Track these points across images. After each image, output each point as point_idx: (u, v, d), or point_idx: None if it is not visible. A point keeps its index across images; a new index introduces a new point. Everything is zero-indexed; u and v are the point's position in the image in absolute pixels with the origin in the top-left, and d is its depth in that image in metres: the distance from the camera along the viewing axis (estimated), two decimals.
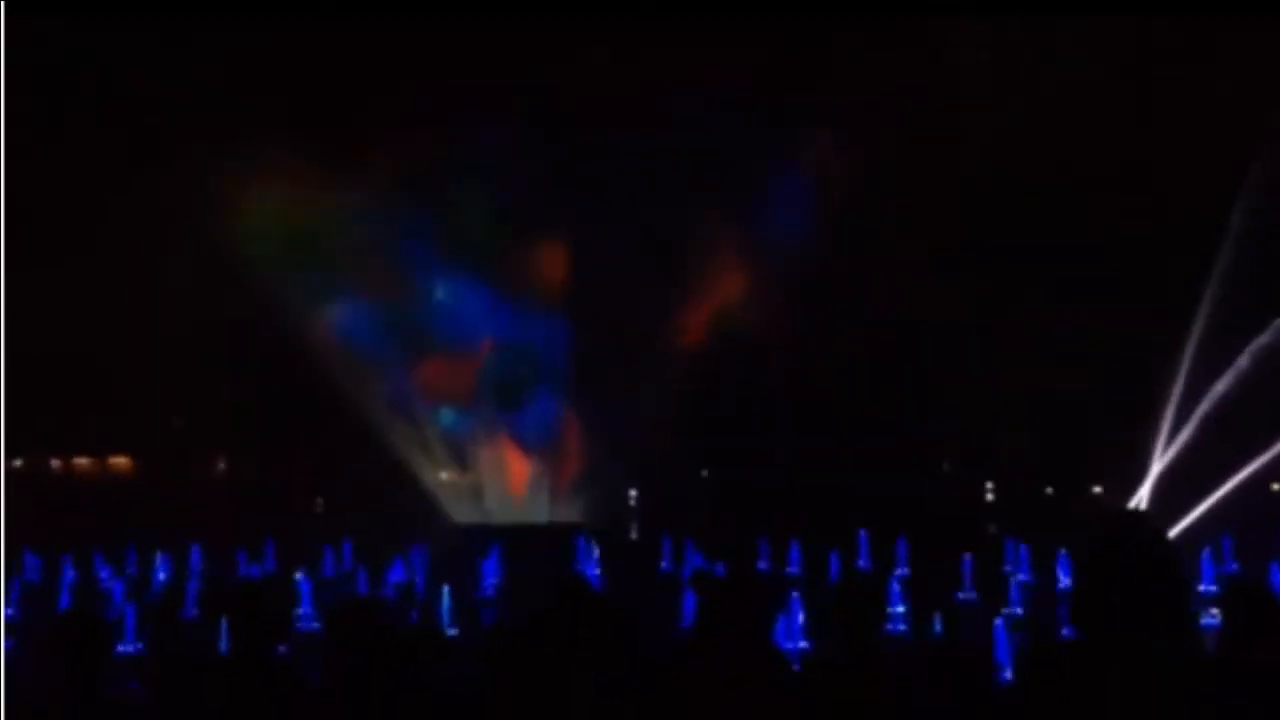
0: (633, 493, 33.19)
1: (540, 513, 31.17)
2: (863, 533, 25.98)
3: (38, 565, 22.01)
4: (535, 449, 31.66)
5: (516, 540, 22.97)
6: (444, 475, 31.46)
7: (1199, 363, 26.38)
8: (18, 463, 47.10)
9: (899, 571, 21.49)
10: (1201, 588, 17.96)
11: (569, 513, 30.72)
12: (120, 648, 14.98)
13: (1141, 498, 24.26)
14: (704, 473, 35.44)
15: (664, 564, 23.26)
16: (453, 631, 15.89)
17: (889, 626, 15.64)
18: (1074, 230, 31.35)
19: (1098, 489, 30.66)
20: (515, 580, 19.90)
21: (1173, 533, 22.37)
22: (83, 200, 35.56)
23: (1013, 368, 30.79)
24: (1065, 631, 14.34)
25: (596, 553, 23.69)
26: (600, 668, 6.25)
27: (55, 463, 47.71)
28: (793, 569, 22.76)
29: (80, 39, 32.97)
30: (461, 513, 31.28)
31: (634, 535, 31.19)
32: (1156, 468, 24.83)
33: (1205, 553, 19.55)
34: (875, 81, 29.96)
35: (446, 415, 32.55)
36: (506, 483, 32.37)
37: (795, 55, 31.33)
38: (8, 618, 16.30)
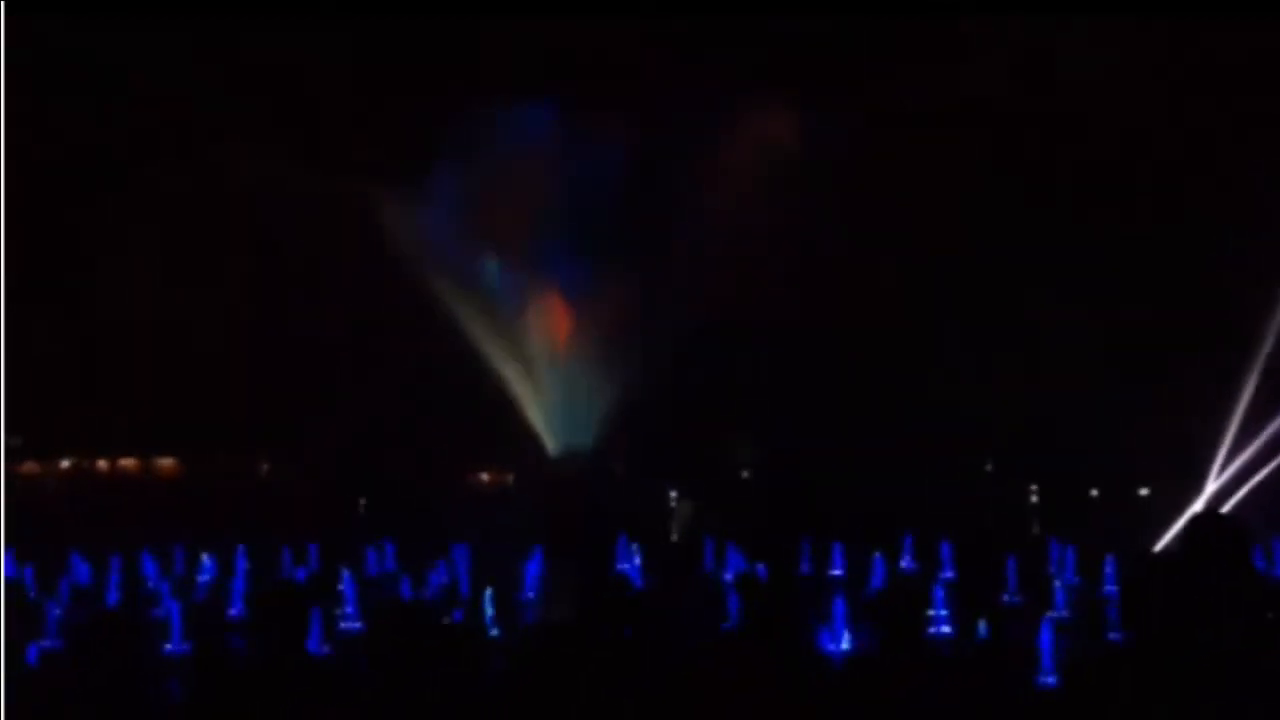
0: (673, 494, 33.16)
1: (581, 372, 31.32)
2: (907, 535, 25.87)
3: (85, 566, 22.22)
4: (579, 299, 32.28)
5: (558, 542, 23.00)
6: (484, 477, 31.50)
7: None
8: (65, 464, 47.65)
9: (943, 574, 21.36)
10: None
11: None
12: (167, 647, 15.11)
13: (1208, 498, 23.92)
14: (744, 474, 35.38)
15: (706, 564, 23.22)
16: (494, 632, 15.92)
17: (933, 629, 15.57)
18: (1131, 223, 31.15)
19: (1144, 490, 30.36)
20: (556, 581, 19.93)
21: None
22: (128, 197, 35.88)
23: (1057, 366, 30.58)
24: (1112, 635, 14.24)
25: (637, 553, 23.70)
26: (638, 667, 6.25)
27: (102, 464, 48.17)
28: (835, 571, 22.67)
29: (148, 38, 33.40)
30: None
31: (674, 537, 31.16)
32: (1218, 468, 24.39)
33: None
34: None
35: (491, 267, 33.03)
36: (553, 332, 32.99)
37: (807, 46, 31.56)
38: (56, 618, 16.45)
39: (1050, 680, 11.18)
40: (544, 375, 34.23)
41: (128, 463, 48.23)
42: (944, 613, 16.89)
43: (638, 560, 23.28)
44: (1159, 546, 22.11)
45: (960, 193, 30.72)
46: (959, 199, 30.74)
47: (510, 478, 35.37)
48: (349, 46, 33.62)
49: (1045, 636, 13.09)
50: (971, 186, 30.86)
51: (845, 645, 14.51)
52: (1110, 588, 18.82)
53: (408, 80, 33.26)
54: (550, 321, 34.18)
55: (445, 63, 32.89)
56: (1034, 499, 34.44)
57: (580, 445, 32.16)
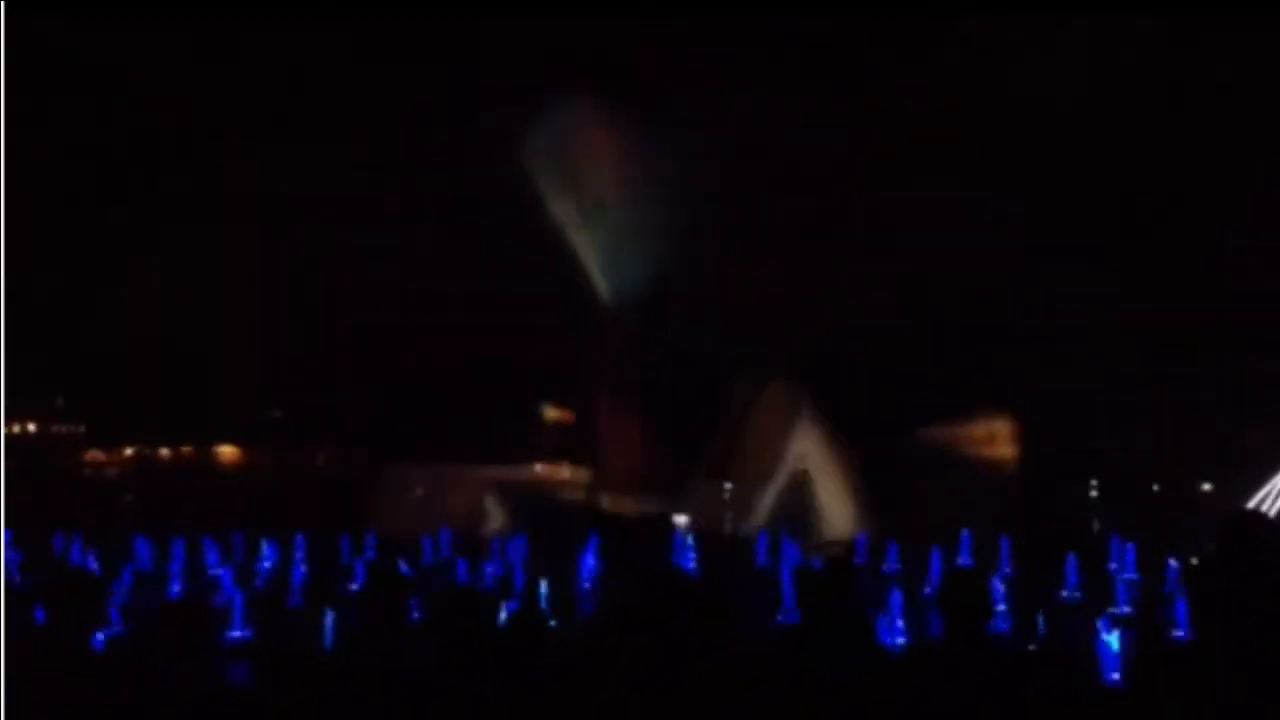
0: (727, 485, 33.13)
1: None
2: (965, 530, 25.71)
3: (148, 552, 22.53)
4: None
5: (614, 532, 22.98)
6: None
7: None
8: (128, 451, 48.38)
9: (1002, 569, 21.21)
10: None
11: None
12: (230, 634, 15.28)
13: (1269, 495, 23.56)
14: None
15: (761, 558, 23.18)
16: (551, 623, 15.98)
17: (992, 625, 15.43)
18: (1191, 216, 30.81)
19: (1207, 486, 29.99)
20: (613, 572, 19.96)
21: None
22: (179, 186, 36.32)
23: (1119, 360, 30.24)
24: (1175, 633, 14.07)
25: (693, 546, 23.69)
26: (693, 659, 6.26)
27: (164, 452, 48.86)
28: (891, 565, 22.56)
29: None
30: None
31: (729, 528, 31.15)
32: None
33: None
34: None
35: None
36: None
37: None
38: (120, 604, 16.70)
39: (1111, 677, 11.08)
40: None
41: (189, 450, 48.88)
42: (1002, 608, 16.78)
43: (692, 552, 23.29)
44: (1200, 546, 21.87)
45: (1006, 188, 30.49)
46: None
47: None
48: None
49: (1104, 633, 12.96)
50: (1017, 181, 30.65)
51: (903, 639, 14.46)
52: (1171, 585, 18.59)
53: None
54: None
55: None
56: (1094, 494, 34.10)
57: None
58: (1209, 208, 31.24)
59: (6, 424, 33.99)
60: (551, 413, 35.23)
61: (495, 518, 33.44)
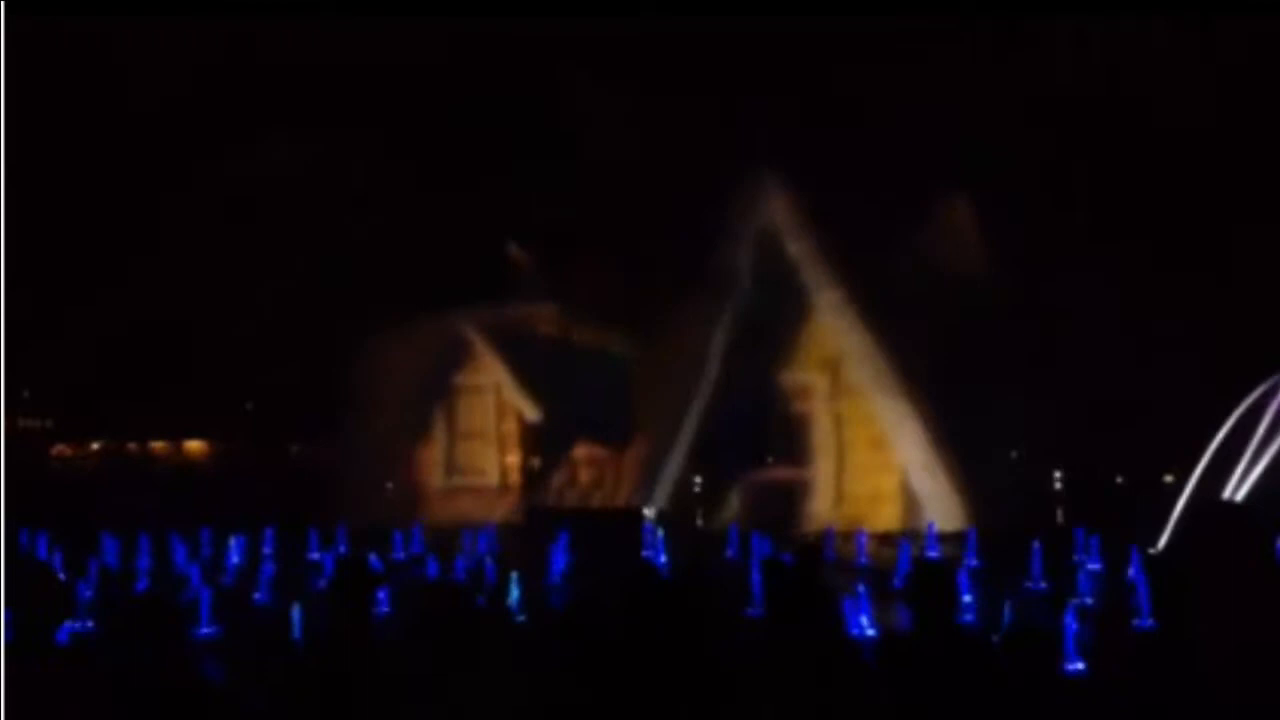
0: (697, 479, 33.16)
1: None
2: (930, 523, 25.85)
3: (115, 548, 22.41)
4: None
5: (584, 526, 23.04)
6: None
7: None
8: (95, 446, 48.01)
9: (968, 561, 21.36)
10: None
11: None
12: (197, 631, 15.23)
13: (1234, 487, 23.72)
14: (770, 459, 35.40)
15: (730, 551, 23.28)
16: (520, 617, 15.99)
17: (958, 616, 15.55)
18: (1160, 207, 31.08)
19: (1169, 478, 30.25)
20: (583, 566, 19.99)
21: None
22: (158, 190, 36.15)
23: (1083, 353, 30.45)
24: (1136, 622, 14.22)
25: (663, 539, 23.77)
26: (664, 654, 6.28)
27: (132, 446, 48.47)
28: (861, 559, 22.71)
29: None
30: None
31: (700, 522, 31.21)
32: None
33: None
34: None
35: None
36: None
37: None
38: (85, 599, 16.61)
39: (1075, 666, 11.20)
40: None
41: (158, 445, 48.51)
42: (968, 599, 16.89)
43: (662, 545, 23.37)
44: (1165, 535, 22.04)
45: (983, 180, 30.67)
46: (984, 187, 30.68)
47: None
48: None
49: (1069, 623, 13.09)
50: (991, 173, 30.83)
51: (871, 631, 14.55)
52: (1134, 574, 18.76)
53: None
54: None
55: None
56: (1058, 485, 34.35)
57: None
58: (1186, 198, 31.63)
59: None
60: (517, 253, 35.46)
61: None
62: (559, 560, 20.85)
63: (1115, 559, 19.95)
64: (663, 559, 21.97)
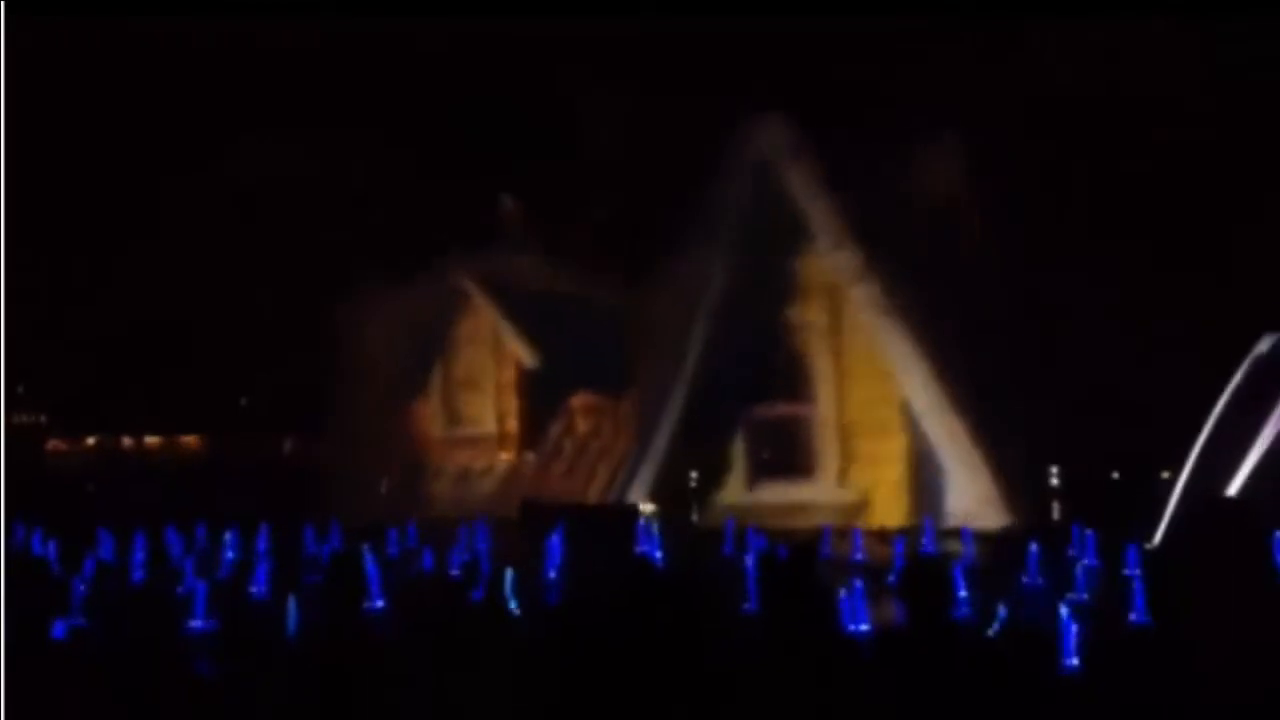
0: (694, 474, 33.10)
1: None
2: (927, 520, 25.85)
3: (110, 542, 22.38)
4: None
5: (579, 521, 23.04)
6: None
7: None
8: (90, 441, 47.95)
9: (964, 557, 21.37)
10: None
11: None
12: (192, 624, 15.21)
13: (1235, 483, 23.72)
14: (765, 455, 35.37)
15: (726, 547, 23.28)
16: (515, 610, 15.98)
17: (953, 612, 15.53)
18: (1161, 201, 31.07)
19: (1165, 474, 30.31)
20: (579, 562, 19.98)
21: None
22: (151, 187, 36.13)
23: (1080, 351, 30.47)
24: (1132, 618, 14.20)
25: (658, 535, 23.76)
26: (660, 648, 6.27)
27: (127, 441, 48.41)
28: (857, 555, 22.72)
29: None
30: None
31: (695, 518, 31.18)
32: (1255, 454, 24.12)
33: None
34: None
35: None
36: None
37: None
38: (81, 594, 16.58)
39: (1070, 663, 11.19)
40: None
41: (152, 440, 48.45)
42: (964, 595, 16.90)
43: (657, 540, 23.36)
44: (1160, 531, 22.03)
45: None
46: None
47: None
48: None
49: (1066, 619, 13.08)
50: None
51: (866, 627, 14.55)
52: (1130, 571, 18.77)
53: None
54: None
55: None
56: (1054, 482, 34.35)
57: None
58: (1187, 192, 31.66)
59: None
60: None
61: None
62: (554, 556, 20.84)
63: (1112, 555, 19.96)
64: (658, 555, 21.96)
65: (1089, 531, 21.45)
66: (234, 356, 37.28)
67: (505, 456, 34.56)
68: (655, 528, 24.34)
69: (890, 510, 29.34)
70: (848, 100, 31.26)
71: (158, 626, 7.35)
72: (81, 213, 36.51)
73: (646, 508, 29.08)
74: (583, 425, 34.36)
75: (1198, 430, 24.46)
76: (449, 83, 35.70)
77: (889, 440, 29.94)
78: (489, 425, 35.70)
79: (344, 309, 32.89)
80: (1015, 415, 27.71)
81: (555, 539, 21.24)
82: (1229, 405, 24.15)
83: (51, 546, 21.01)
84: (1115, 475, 34.37)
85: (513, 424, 35.83)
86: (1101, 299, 31.13)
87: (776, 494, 30.22)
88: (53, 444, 47.38)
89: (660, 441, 31.12)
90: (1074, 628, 12.64)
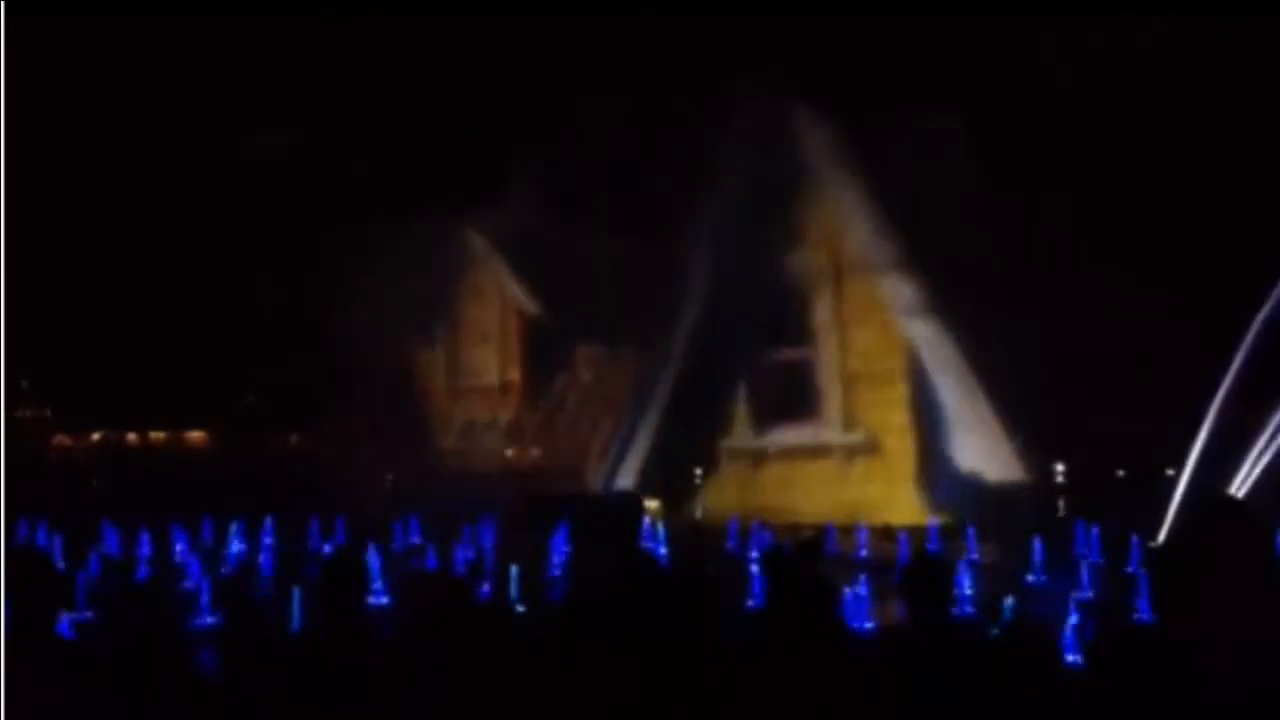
0: (698, 471, 33.11)
1: None
2: (931, 519, 25.85)
3: (115, 538, 22.42)
4: None
5: (584, 517, 23.06)
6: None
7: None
8: (95, 436, 47.98)
9: (969, 555, 21.35)
10: None
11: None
12: (197, 620, 15.23)
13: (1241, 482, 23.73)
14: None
15: (730, 543, 23.29)
16: (520, 608, 16.00)
17: (957, 609, 15.60)
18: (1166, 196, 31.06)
19: (1170, 471, 30.30)
20: (583, 559, 19.99)
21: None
22: (155, 186, 36.16)
23: (1086, 347, 30.41)
24: (1137, 615, 14.20)
25: (663, 531, 23.77)
26: (670, 646, 6.27)
27: (132, 436, 48.42)
28: (862, 552, 22.72)
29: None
30: None
31: (699, 514, 31.20)
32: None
33: None
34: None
35: None
36: None
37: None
38: (87, 588, 16.61)
39: (1075, 660, 11.18)
40: None
41: (157, 436, 48.47)
42: (968, 593, 16.90)
43: (662, 537, 23.37)
44: (1165, 530, 22.02)
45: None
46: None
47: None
48: None
49: (1070, 617, 13.08)
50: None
51: (870, 624, 14.55)
52: (1134, 568, 18.77)
53: None
54: None
55: None
56: (1060, 479, 34.33)
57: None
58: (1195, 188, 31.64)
59: None
60: None
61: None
62: (559, 551, 20.86)
63: (1117, 552, 19.95)
64: (662, 551, 21.97)
65: (1094, 528, 21.44)
66: (238, 352, 37.33)
67: (509, 409, 34.51)
68: (659, 524, 24.36)
69: (899, 456, 29.47)
70: (848, 101, 31.21)
71: (162, 622, 7.36)
72: (88, 209, 36.55)
73: (650, 504, 29.12)
74: (586, 376, 34.35)
75: (1199, 424, 24.53)
76: (449, 83, 35.68)
77: (894, 387, 30.11)
78: (492, 376, 35.63)
79: (347, 300, 32.97)
80: (1020, 371, 27.82)
81: (560, 535, 21.26)
82: (1227, 399, 24.19)
83: (56, 542, 21.05)
84: (1120, 472, 34.34)
85: (515, 374, 35.78)
86: (1100, 297, 31.10)
87: (784, 437, 30.40)
88: (57, 439, 47.41)
89: (663, 392, 31.25)
90: (1078, 625, 12.64)
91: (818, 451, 29.61)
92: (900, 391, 30.12)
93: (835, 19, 31.67)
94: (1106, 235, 31.62)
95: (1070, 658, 11.38)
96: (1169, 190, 31.91)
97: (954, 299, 28.76)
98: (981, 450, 29.17)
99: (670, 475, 31.89)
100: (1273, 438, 24.16)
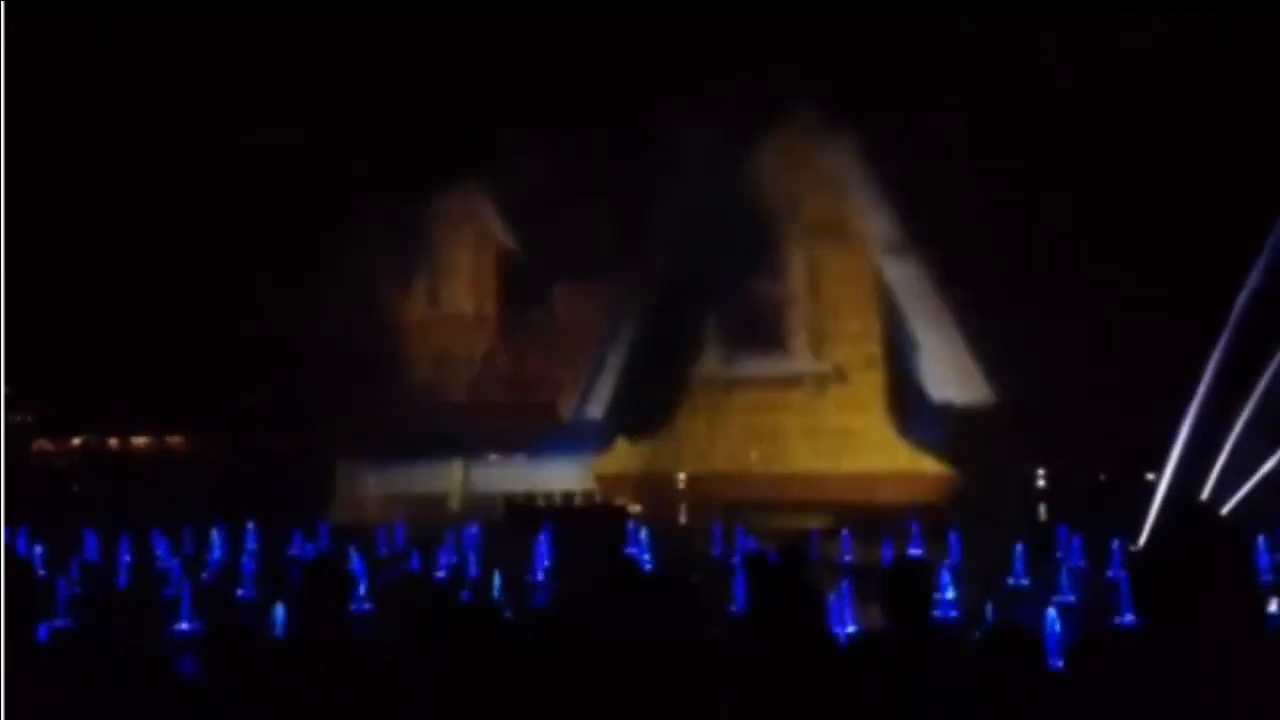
0: (680, 476, 33.09)
1: None
2: (913, 521, 25.86)
3: (96, 543, 22.30)
4: None
5: (567, 523, 23.06)
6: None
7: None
8: (76, 441, 47.75)
9: (950, 558, 21.38)
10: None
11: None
12: (178, 626, 15.15)
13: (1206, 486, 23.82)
14: (753, 455, 35.42)
15: (715, 548, 23.28)
16: (506, 613, 15.95)
17: (938, 612, 15.60)
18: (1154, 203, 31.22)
19: (1150, 475, 30.41)
20: (565, 563, 19.98)
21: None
22: (147, 183, 35.98)
23: (1067, 352, 30.47)
24: (1118, 619, 14.23)
25: (645, 536, 23.75)
26: (648, 649, 6.27)
27: (113, 442, 48.19)
28: (845, 557, 22.73)
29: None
30: None
31: (683, 519, 31.17)
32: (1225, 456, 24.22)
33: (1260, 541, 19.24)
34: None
35: None
36: None
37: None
38: (69, 596, 16.52)
39: (1055, 664, 11.21)
40: None
41: (139, 441, 48.23)
42: (950, 596, 16.93)
43: (644, 542, 23.35)
44: (1143, 535, 22.09)
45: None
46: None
47: None
48: None
49: (1051, 621, 13.11)
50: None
51: (852, 628, 14.57)
52: (1116, 572, 18.81)
53: None
54: None
55: None
56: (1041, 483, 34.40)
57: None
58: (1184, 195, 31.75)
59: None
60: None
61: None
62: (542, 557, 20.82)
63: (1098, 557, 20.00)
64: (645, 557, 21.96)
65: (1075, 533, 21.49)
66: (218, 359, 37.18)
67: (483, 342, 34.35)
68: (642, 529, 24.34)
69: (866, 384, 29.51)
70: (847, 100, 31.32)
71: (143, 629, 7.33)
72: (71, 214, 36.37)
73: (634, 508, 29.09)
74: (562, 310, 34.22)
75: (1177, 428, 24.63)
76: (449, 82, 35.56)
77: (863, 318, 30.18)
78: (466, 307, 35.43)
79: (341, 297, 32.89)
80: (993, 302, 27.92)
81: (543, 541, 21.23)
82: (1203, 405, 24.30)
83: (37, 548, 20.93)
84: (1101, 476, 34.44)
85: (491, 306, 35.61)
86: (1097, 296, 31.19)
87: (753, 368, 30.42)
88: (39, 444, 47.15)
89: (633, 322, 31.27)
90: (1059, 629, 12.67)
91: (788, 381, 29.58)
92: (870, 323, 30.18)
93: (834, 19, 31.73)
94: (1105, 235, 31.72)
95: (1052, 662, 11.43)
96: (1168, 190, 32.02)
97: (924, 235, 28.75)
98: (951, 379, 29.23)
99: (640, 404, 31.82)
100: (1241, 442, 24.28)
